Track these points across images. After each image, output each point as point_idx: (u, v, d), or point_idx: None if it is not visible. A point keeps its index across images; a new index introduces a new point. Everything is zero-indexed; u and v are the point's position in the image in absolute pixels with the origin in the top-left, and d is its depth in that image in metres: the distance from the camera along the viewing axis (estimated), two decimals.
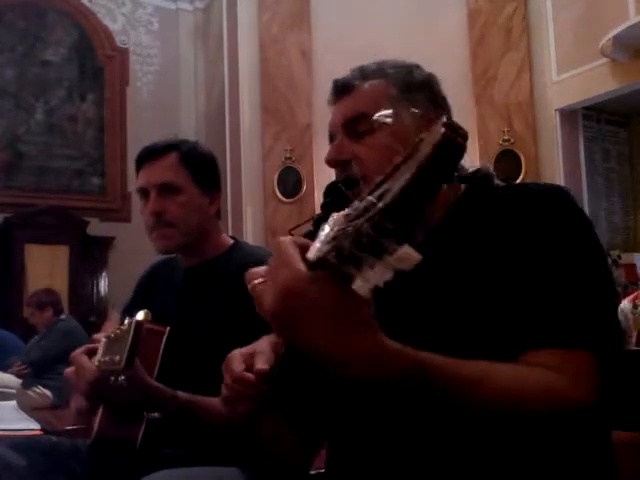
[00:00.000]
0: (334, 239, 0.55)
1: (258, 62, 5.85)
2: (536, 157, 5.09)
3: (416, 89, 0.99)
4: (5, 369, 4.35)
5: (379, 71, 1.00)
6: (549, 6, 5.02)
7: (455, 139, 0.53)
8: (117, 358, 1.17)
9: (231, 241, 1.55)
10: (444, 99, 1.03)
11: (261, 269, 0.72)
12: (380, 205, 0.52)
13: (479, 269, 0.83)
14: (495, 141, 5.09)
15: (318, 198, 5.52)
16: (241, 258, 1.46)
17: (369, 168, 0.94)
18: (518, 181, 4.90)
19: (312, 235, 1.06)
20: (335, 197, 0.97)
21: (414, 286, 0.85)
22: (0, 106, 6.33)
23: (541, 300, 0.77)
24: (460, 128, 0.53)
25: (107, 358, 1.21)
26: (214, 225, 1.52)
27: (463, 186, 0.99)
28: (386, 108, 0.95)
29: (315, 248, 0.58)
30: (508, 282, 0.79)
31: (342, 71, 1.02)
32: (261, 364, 1.00)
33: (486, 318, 0.79)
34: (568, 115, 5.09)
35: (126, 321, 1.23)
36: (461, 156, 0.54)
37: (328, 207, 0.96)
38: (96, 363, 1.25)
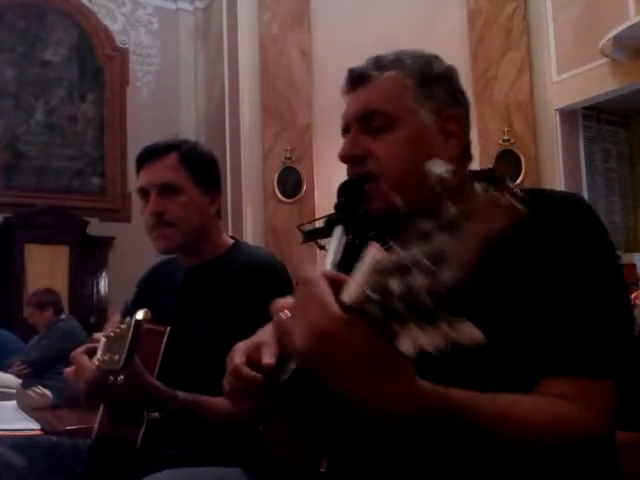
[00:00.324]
0: (379, 290, 0.51)
1: (258, 62, 5.85)
2: (536, 157, 5.09)
3: (435, 82, 0.95)
4: (5, 369, 4.35)
5: (396, 62, 0.96)
6: (549, 6, 5.02)
7: (533, 218, 0.51)
8: (116, 357, 1.17)
9: (231, 241, 1.55)
10: (463, 93, 0.99)
11: (288, 301, 0.68)
12: (442, 278, 0.48)
13: (496, 281, 0.79)
14: (495, 141, 5.09)
15: (318, 198, 5.51)
16: (241, 258, 1.46)
17: (384, 166, 0.91)
18: (518, 181, 4.91)
19: (323, 233, 1.03)
20: (350, 197, 0.93)
21: None
22: (0, 106, 6.33)
23: (559, 326, 0.75)
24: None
25: (106, 357, 1.21)
26: (214, 225, 1.52)
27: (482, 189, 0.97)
28: (403, 102, 0.93)
29: (352, 291, 0.55)
30: (524, 301, 0.77)
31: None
32: (267, 358, 0.98)
33: (503, 336, 0.77)
34: (568, 115, 5.09)
35: (126, 320, 1.23)
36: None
37: (343, 207, 0.93)
38: (96, 362, 1.24)
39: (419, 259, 0.50)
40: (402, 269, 0.50)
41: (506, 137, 5.08)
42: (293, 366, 0.90)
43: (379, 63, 0.96)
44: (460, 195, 0.93)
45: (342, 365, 0.58)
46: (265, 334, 1.07)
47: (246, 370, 0.96)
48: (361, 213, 0.92)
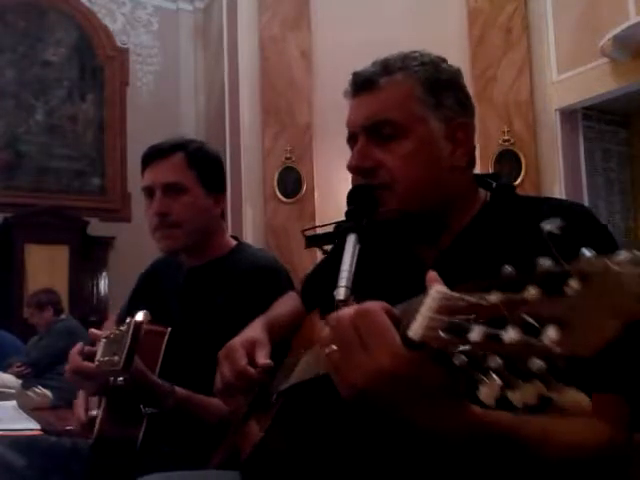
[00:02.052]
0: (456, 333, 0.48)
1: (258, 62, 5.85)
2: (536, 157, 5.09)
3: (443, 88, 0.94)
4: (5, 369, 4.35)
5: (404, 68, 0.93)
6: (549, 6, 5.02)
7: None
8: (116, 359, 1.17)
9: (234, 242, 1.54)
10: (469, 99, 0.99)
11: (329, 332, 0.63)
12: (559, 351, 0.43)
13: None
14: (495, 141, 5.08)
15: (318, 198, 5.51)
16: (244, 260, 1.46)
17: (396, 177, 0.90)
18: (518, 181, 4.91)
19: (329, 239, 1.01)
20: (361, 204, 0.91)
21: None
22: (0, 106, 6.32)
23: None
24: None
25: (106, 359, 1.21)
26: (218, 226, 1.52)
27: (487, 194, 0.98)
28: (413, 111, 0.91)
29: (420, 327, 0.52)
30: None
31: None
32: (263, 358, 0.98)
33: None
34: (568, 115, 5.08)
35: (127, 320, 1.22)
36: None
37: (354, 215, 0.90)
38: (96, 363, 1.24)
39: (519, 313, 0.45)
40: (488, 315, 0.46)
41: (506, 137, 5.08)
42: (294, 380, 0.89)
43: (386, 68, 0.94)
44: (465, 201, 0.94)
45: (406, 402, 0.57)
46: (257, 331, 1.07)
47: (252, 372, 0.96)
48: (374, 220, 0.90)
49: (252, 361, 0.99)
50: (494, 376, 0.46)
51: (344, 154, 0.97)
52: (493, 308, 0.47)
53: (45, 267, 6.00)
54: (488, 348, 0.46)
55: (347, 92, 0.98)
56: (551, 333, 0.43)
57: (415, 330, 0.53)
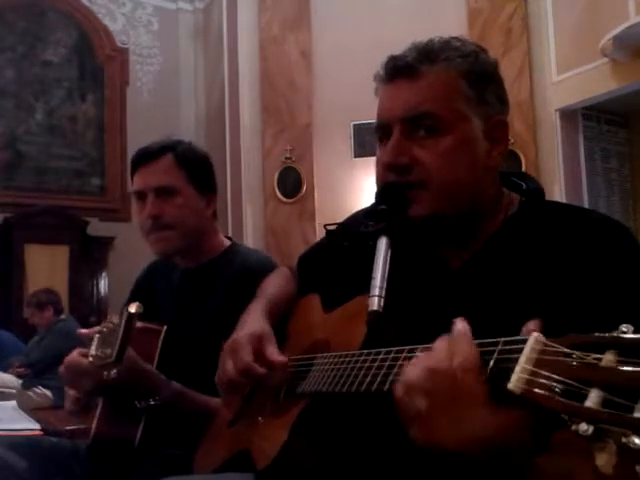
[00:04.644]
0: (574, 396, 0.43)
1: (258, 62, 5.85)
2: (536, 157, 5.08)
3: (486, 82, 0.90)
4: (5, 369, 4.35)
5: (446, 59, 0.87)
6: (549, 6, 5.01)
7: None
8: (108, 351, 1.16)
9: (228, 243, 1.54)
10: (506, 94, 0.94)
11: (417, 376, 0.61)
12: None
13: (530, 288, 0.78)
14: None
15: (318, 198, 5.51)
16: (236, 262, 1.45)
17: (432, 175, 0.85)
18: None
19: (356, 237, 0.96)
20: (393, 204, 0.85)
21: (464, 295, 0.82)
22: (0, 106, 6.32)
23: None
24: None
25: (99, 352, 1.21)
26: (211, 226, 1.51)
27: (513, 195, 0.95)
28: (456, 106, 0.86)
29: (519, 379, 0.48)
30: (552, 314, 0.71)
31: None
32: (276, 354, 0.96)
33: None
34: (568, 115, 5.08)
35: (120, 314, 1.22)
36: None
37: (386, 216, 0.84)
38: (90, 359, 1.24)
39: None
40: (606, 381, 0.42)
41: None
42: (316, 386, 0.87)
43: (427, 55, 0.88)
44: (494, 204, 0.90)
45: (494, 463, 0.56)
46: (259, 321, 1.05)
47: (260, 370, 0.94)
48: (404, 222, 0.85)
49: (260, 357, 0.97)
50: (612, 442, 0.42)
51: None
52: (613, 374, 0.42)
53: (45, 267, 6.00)
54: (610, 420, 0.41)
55: (379, 76, 0.92)
56: None
57: (515, 384, 0.49)
